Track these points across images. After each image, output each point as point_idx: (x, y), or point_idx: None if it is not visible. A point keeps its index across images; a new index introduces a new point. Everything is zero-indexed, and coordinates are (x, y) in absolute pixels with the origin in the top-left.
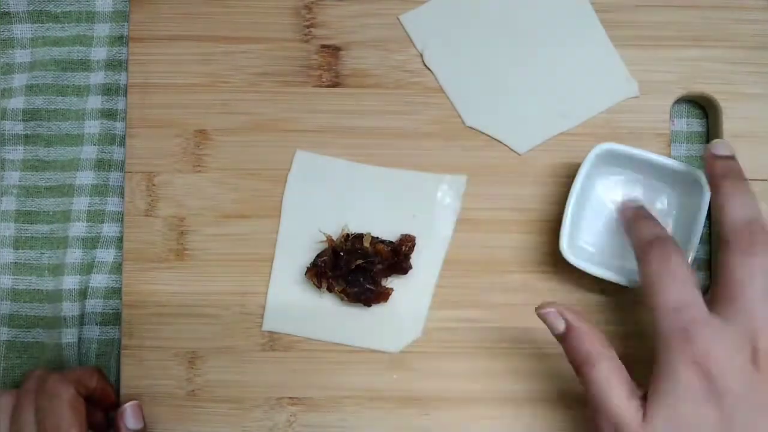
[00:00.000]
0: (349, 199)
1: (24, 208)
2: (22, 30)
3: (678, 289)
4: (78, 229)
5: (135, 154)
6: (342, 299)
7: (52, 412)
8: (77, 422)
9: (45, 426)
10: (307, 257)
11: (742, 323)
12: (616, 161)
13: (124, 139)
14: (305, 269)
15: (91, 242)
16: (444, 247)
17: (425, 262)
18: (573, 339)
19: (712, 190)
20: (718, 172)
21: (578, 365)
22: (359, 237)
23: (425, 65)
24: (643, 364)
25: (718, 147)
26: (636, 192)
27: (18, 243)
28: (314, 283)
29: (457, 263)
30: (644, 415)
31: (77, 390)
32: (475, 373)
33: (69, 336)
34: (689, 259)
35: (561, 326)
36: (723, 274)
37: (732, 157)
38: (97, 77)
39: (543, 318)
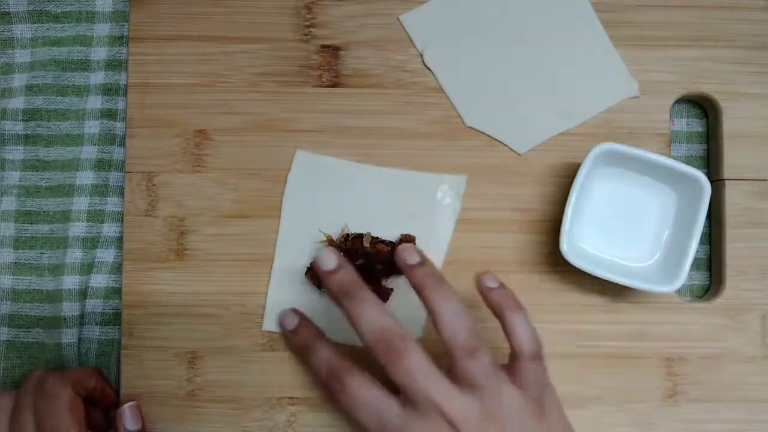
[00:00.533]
0: (349, 199)
1: (24, 208)
2: (22, 30)
3: (367, 412)
4: (78, 229)
5: (135, 154)
6: None
7: (50, 412)
8: (76, 423)
9: (44, 427)
10: (307, 257)
11: (429, 410)
12: (616, 161)
13: (124, 139)
14: (305, 269)
15: (91, 242)
16: (444, 247)
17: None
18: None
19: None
20: (335, 292)
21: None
22: (359, 237)
23: (425, 65)
24: (644, 364)
25: (323, 262)
26: (636, 192)
27: (18, 243)
28: (314, 283)
29: (457, 263)
30: None
31: (76, 390)
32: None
33: (69, 336)
34: (689, 259)
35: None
36: (392, 379)
37: (338, 269)
38: (97, 77)
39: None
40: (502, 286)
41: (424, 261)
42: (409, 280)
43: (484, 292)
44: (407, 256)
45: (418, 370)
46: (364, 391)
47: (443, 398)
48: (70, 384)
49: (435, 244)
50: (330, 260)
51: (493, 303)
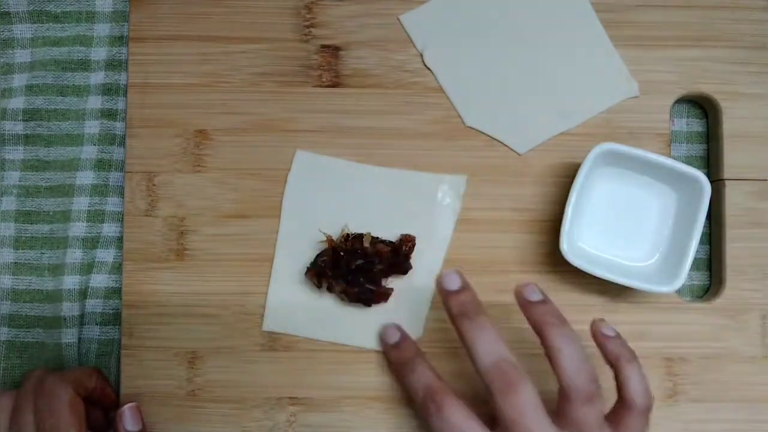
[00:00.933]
0: (349, 199)
1: (24, 208)
2: (22, 30)
3: None
4: (78, 229)
5: (135, 154)
6: (342, 299)
7: (50, 412)
8: (76, 423)
9: (44, 427)
10: (307, 257)
11: None
12: (616, 161)
13: (124, 139)
14: (305, 269)
15: (91, 242)
16: (444, 247)
17: (425, 262)
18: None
19: (456, 329)
20: (455, 312)
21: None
22: (359, 237)
23: (425, 65)
24: (644, 364)
25: (448, 281)
26: (636, 192)
27: (18, 243)
28: (314, 283)
29: (457, 263)
30: None
31: (76, 390)
32: (476, 373)
33: (69, 336)
34: (689, 259)
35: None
36: (498, 413)
37: (462, 290)
38: (97, 77)
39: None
40: (618, 335)
41: (546, 299)
42: (528, 317)
43: (600, 340)
44: (528, 293)
45: (529, 407)
46: (460, 418)
47: None
48: (70, 384)
49: (435, 244)
50: (454, 281)
51: (608, 352)
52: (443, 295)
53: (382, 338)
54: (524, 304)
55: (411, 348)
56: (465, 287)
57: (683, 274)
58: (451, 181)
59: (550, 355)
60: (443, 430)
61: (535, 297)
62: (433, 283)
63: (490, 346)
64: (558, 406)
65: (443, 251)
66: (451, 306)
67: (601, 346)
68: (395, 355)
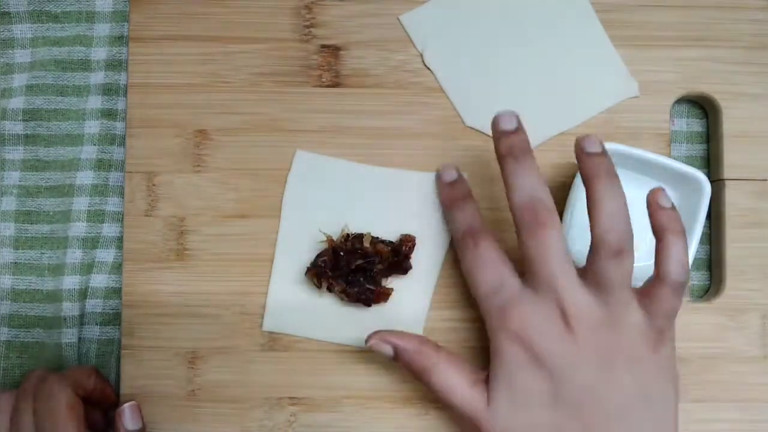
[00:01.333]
0: (349, 199)
1: (24, 208)
2: (22, 30)
3: (490, 273)
4: (78, 229)
5: (135, 154)
6: (342, 299)
7: (49, 413)
8: (75, 423)
9: (43, 427)
10: (307, 257)
11: (548, 293)
12: (616, 161)
13: (124, 139)
14: (305, 269)
15: (91, 242)
16: (444, 247)
17: (425, 262)
18: (404, 360)
19: (501, 168)
20: (503, 152)
21: (419, 378)
22: (359, 237)
23: (425, 65)
24: None
25: (504, 122)
26: (636, 192)
27: (18, 243)
28: (314, 283)
29: (457, 263)
30: (488, 397)
31: (75, 391)
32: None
33: (69, 336)
34: (690, 259)
35: (389, 351)
36: (523, 252)
37: (516, 131)
38: (97, 77)
39: (373, 350)
40: (673, 207)
41: (603, 152)
42: (581, 167)
43: (653, 208)
44: (587, 144)
45: (554, 248)
46: (493, 254)
47: (567, 287)
48: (69, 385)
49: (435, 244)
50: (510, 121)
51: (657, 222)
52: (495, 136)
53: (440, 174)
54: (580, 155)
55: (464, 188)
56: (518, 129)
57: None
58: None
59: (590, 206)
60: (475, 263)
61: (594, 149)
62: (432, 286)
63: (528, 183)
64: (587, 260)
65: (443, 251)
66: (501, 146)
67: (652, 214)
68: (449, 193)
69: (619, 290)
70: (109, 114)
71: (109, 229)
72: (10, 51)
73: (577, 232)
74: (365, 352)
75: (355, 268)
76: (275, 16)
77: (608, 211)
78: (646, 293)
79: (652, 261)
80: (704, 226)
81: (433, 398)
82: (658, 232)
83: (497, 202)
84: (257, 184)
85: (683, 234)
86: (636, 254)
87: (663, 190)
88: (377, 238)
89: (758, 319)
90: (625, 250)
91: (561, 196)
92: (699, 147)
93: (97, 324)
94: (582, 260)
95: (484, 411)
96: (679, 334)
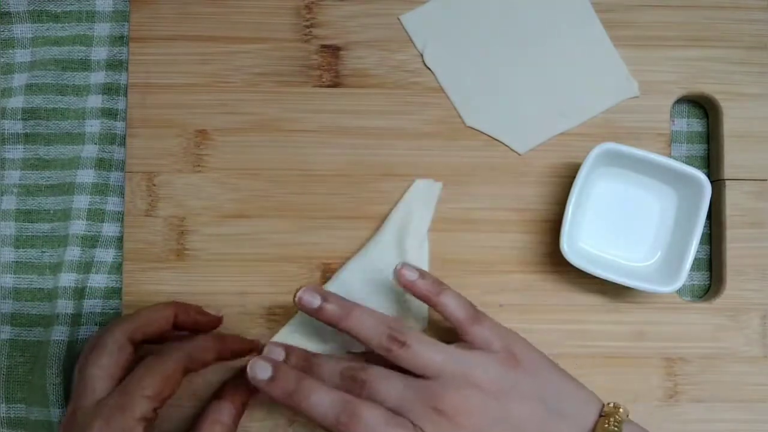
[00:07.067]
0: None
1: (24, 207)
2: (22, 30)
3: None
4: (78, 227)
5: (135, 154)
6: None
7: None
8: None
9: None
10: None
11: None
12: (617, 161)
13: (125, 138)
14: None
15: (90, 241)
16: (425, 247)
17: (417, 263)
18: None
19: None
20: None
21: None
22: None
23: (425, 65)
24: (644, 364)
25: (406, 274)
26: (636, 192)
27: (19, 242)
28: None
29: (456, 263)
30: None
31: (194, 366)
32: None
33: (58, 333)
34: (690, 259)
35: (316, 302)
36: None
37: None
38: (98, 77)
39: (299, 303)
40: (421, 275)
41: (327, 298)
42: (414, 294)
43: (407, 286)
44: (308, 301)
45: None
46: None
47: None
48: (183, 363)
49: (417, 245)
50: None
51: (420, 294)
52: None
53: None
54: (408, 285)
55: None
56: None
57: (683, 275)
58: (425, 185)
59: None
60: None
61: (412, 277)
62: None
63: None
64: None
65: (426, 251)
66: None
67: (410, 291)
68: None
69: (442, 365)
70: (109, 113)
71: (109, 229)
72: (11, 51)
73: (576, 230)
74: (363, 354)
75: None
76: (275, 16)
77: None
78: (465, 340)
79: (652, 261)
80: (704, 226)
81: None
82: (424, 300)
83: (497, 201)
84: (257, 184)
85: (443, 288)
86: (637, 254)
87: (404, 265)
88: None
89: (758, 319)
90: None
91: (561, 195)
92: (699, 147)
93: (96, 324)
94: (582, 256)
95: None
96: (679, 334)
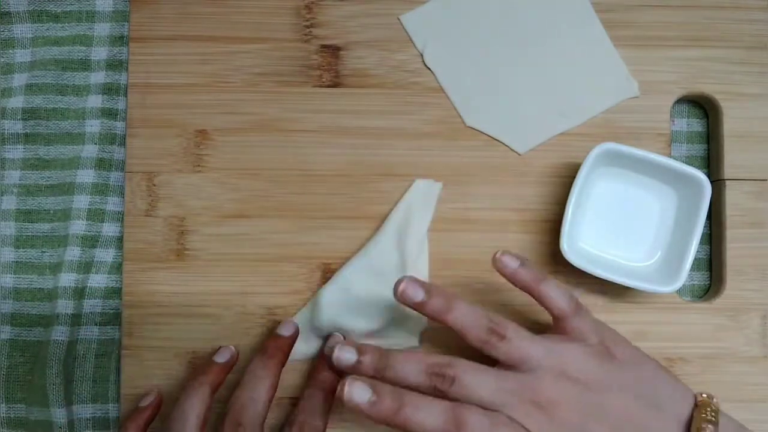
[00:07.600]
0: None
1: (24, 207)
2: (22, 30)
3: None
4: (78, 227)
5: (135, 154)
6: None
7: None
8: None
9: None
10: None
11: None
12: (617, 161)
13: (125, 138)
14: None
15: (90, 241)
16: (425, 247)
17: (416, 263)
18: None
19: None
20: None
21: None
22: None
23: (425, 65)
24: None
25: (507, 262)
26: (636, 192)
27: (19, 242)
28: None
29: (457, 263)
30: None
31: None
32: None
33: (59, 333)
34: (690, 259)
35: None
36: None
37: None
38: (98, 77)
39: (402, 296)
40: (522, 263)
41: (430, 291)
42: (514, 284)
43: (508, 276)
44: (412, 294)
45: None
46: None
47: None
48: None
49: (418, 246)
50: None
51: (521, 284)
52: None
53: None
54: (417, 307)
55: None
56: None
57: (683, 275)
58: (425, 186)
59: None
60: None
61: (419, 297)
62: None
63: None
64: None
65: (425, 252)
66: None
67: (512, 281)
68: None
69: (533, 353)
70: (109, 113)
71: (109, 229)
72: (10, 51)
73: (576, 230)
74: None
75: None
76: (275, 16)
77: (459, 320)
78: (563, 332)
79: (652, 261)
80: (704, 226)
81: None
82: (527, 291)
83: (497, 201)
84: (257, 184)
85: (545, 277)
86: (637, 254)
87: (503, 253)
88: None
89: (758, 319)
90: (499, 330)
91: (561, 195)
92: (699, 147)
93: (96, 324)
94: (582, 256)
95: None
96: (679, 334)
